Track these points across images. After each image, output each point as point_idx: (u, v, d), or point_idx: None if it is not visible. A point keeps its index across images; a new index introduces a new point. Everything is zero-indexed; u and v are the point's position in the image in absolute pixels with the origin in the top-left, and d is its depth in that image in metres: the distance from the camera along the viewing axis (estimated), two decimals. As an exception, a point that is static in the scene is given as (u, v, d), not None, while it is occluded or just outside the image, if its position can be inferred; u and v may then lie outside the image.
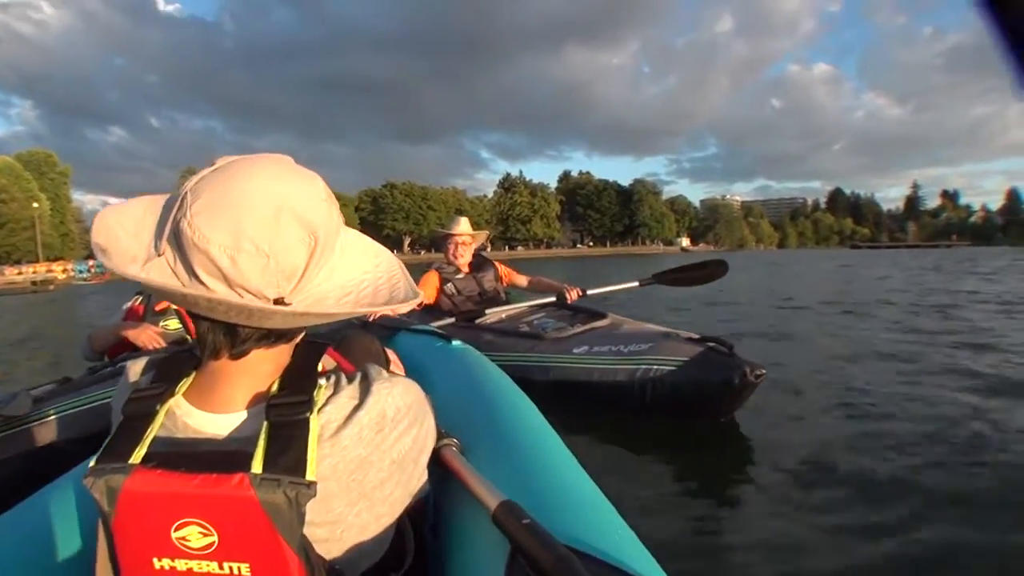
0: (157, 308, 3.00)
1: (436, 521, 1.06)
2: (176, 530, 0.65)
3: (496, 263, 4.57)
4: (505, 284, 4.55)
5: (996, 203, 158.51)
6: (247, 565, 0.65)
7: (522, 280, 4.61)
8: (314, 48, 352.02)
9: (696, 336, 3.12)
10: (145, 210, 0.72)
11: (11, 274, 45.55)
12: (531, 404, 1.43)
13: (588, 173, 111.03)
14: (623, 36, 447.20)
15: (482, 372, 1.77)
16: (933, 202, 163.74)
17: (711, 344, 3.00)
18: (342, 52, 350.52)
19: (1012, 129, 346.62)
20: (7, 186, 52.88)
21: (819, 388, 3.93)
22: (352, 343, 1.36)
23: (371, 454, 0.73)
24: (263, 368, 0.75)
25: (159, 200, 0.73)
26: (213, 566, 0.66)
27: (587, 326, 3.61)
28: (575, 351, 3.30)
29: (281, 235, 0.66)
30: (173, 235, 0.67)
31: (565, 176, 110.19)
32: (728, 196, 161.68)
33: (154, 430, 0.70)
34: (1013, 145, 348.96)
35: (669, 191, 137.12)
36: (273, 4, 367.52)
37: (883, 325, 6.85)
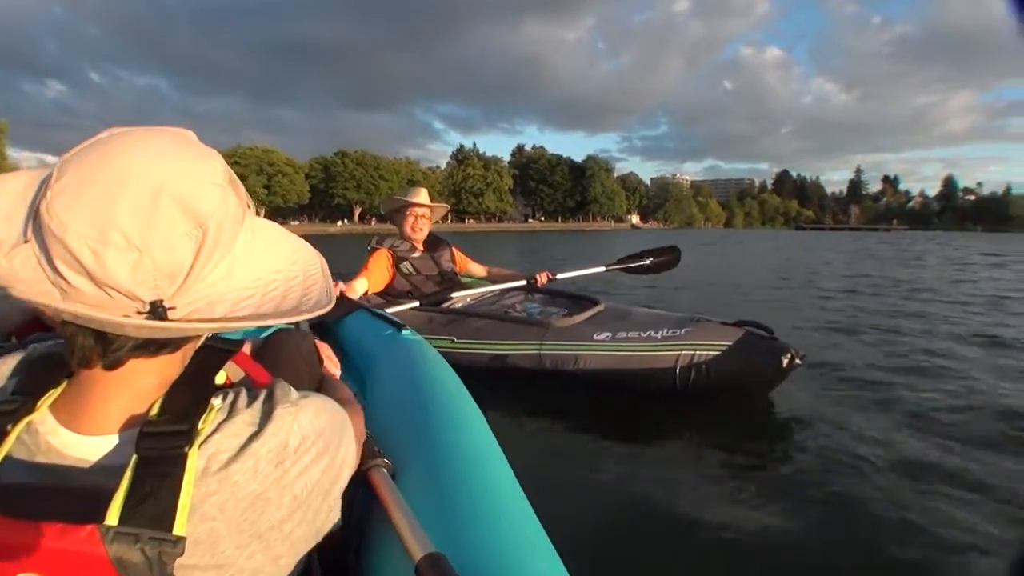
0: None
1: (360, 545, 0.97)
2: None
3: (452, 247, 4.20)
4: (460, 271, 4.17)
5: (933, 189, 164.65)
6: None
7: (479, 269, 4.28)
8: (266, 8, 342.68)
9: (730, 321, 3.04)
10: (27, 186, 0.60)
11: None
12: (479, 414, 1.32)
13: (542, 148, 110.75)
14: (580, 11, 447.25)
15: (430, 372, 1.63)
16: (875, 187, 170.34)
17: (750, 328, 2.96)
18: (294, 14, 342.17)
19: (951, 119, 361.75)
20: (-63, 140, 49.83)
21: (827, 370, 3.89)
22: (278, 340, 1.25)
23: (267, 490, 0.62)
24: (143, 382, 0.64)
25: (44, 174, 0.61)
26: None
27: (590, 312, 3.40)
28: (596, 337, 3.12)
29: (159, 226, 0.55)
30: (35, 220, 0.56)
31: (519, 150, 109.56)
32: (678, 175, 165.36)
33: (1, 454, 0.59)
34: (951, 134, 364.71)
35: (620, 168, 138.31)
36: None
37: (841, 304, 7.12)
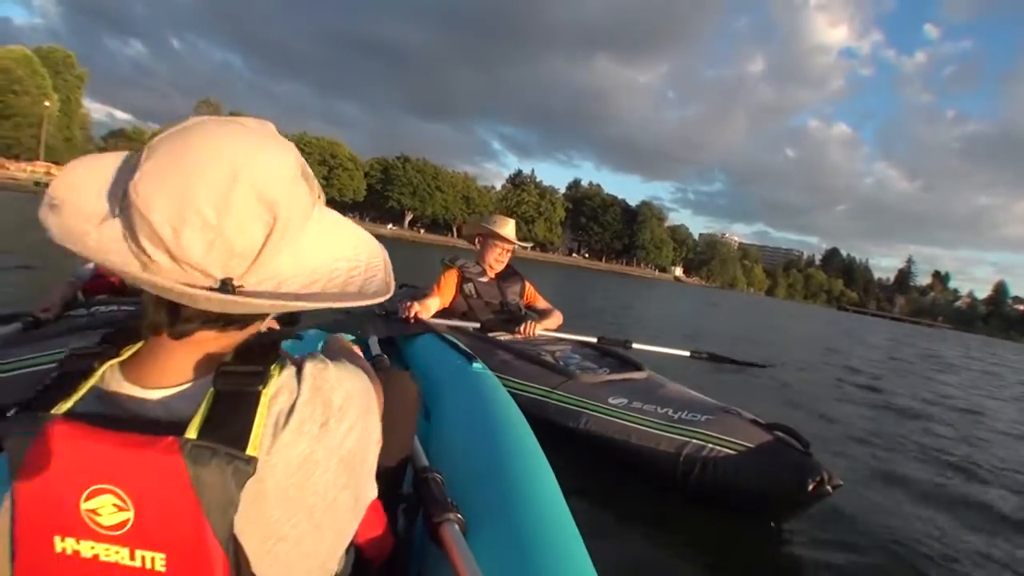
0: None
1: None
2: (87, 500, 0.56)
3: (526, 281, 4.17)
4: (525, 303, 4.13)
5: (981, 292, 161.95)
6: (162, 556, 0.57)
7: (545, 307, 4.18)
8: (350, 1, 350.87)
9: (763, 421, 2.61)
10: (118, 166, 0.66)
11: (15, 169, 44.44)
12: (550, 470, 1.27)
13: (598, 186, 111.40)
14: (656, 56, 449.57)
15: (502, 415, 1.55)
16: (924, 280, 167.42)
17: (782, 435, 2.51)
18: (376, 11, 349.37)
19: (1012, 224, 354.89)
20: (22, 78, 51.04)
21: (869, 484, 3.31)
22: (331, 345, 1.25)
23: (315, 451, 0.64)
24: (211, 345, 0.68)
25: (132, 155, 0.67)
26: (123, 554, 0.57)
27: (623, 375, 3.17)
28: (611, 401, 2.85)
29: (234, 209, 0.60)
30: (124, 198, 0.61)
31: (575, 184, 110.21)
32: (727, 234, 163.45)
33: (84, 388, 0.64)
34: (1008, 240, 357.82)
35: (671, 219, 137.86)
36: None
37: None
